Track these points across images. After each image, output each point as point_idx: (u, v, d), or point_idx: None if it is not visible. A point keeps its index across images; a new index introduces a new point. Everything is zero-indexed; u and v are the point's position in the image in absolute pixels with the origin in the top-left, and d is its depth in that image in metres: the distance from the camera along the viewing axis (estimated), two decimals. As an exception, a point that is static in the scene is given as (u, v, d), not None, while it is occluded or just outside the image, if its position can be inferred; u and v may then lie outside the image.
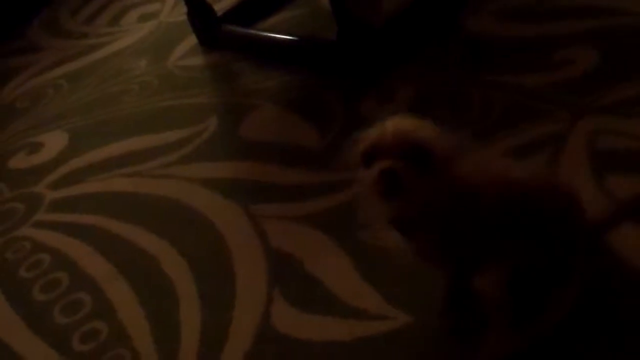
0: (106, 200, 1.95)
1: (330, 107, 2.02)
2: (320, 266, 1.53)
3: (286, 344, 1.38)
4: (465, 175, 1.15)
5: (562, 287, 1.25)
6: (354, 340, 1.35)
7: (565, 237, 1.25)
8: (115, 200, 1.94)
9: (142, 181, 1.98)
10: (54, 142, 2.28)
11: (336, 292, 1.46)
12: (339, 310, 1.42)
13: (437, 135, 1.12)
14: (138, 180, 1.99)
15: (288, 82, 2.21)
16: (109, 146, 2.17)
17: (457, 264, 1.28)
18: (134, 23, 2.99)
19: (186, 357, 1.42)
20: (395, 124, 1.12)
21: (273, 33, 2.39)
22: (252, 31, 2.49)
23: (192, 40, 2.61)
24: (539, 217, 1.21)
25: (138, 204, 1.90)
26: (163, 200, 1.88)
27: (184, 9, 2.59)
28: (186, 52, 2.59)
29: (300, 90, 2.17)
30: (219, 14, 2.57)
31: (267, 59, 2.36)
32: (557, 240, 1.23)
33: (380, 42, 2.09)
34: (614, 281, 1.31)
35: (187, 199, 1.85)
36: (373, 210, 1.19)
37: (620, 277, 1.31)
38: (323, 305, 1.44)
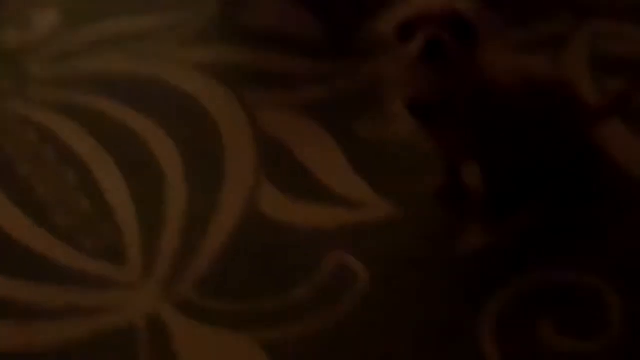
0: (98, 80, 1.89)
1: (333, -3, 1.96)
2: (311, 155, 1.51)
3: (271, 227, 1.37)
4: (494, 63, 1.13)
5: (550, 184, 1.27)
6: (338, 227, 1.34)
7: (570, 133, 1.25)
8: (107, 79, 1.89)
9: (136, 61, 1.92)
10: (45, 18, 2.21)
11: (324, 181, 1.44)
12: (326, 198, 1.40)
13: (479, 11, 1.08)
14: (132, 60, 1.93)
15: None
16: (103, 24, 2.08)
17: (464, 155, 1.26)
18: None
19: (169, 235, 1.40)
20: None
21: None
22: None
23: None
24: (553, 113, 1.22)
25: (130, 85, 1.84)
26: (156, 82, 1.82)
27: None
28: None
29: (304, -23, 2.09)
30: None
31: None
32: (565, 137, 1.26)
33: None
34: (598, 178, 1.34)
35: (180, 81, 1.80)
36: (399, 89, 1.15)
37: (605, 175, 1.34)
38: (310, 193, 1.42)
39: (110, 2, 2.19)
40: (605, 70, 1.51)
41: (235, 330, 1.24)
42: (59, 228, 1.47)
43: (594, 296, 1.16)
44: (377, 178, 1.41)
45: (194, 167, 1.55)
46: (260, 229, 1.37)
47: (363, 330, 1.21)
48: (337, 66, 1.70)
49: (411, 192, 1.36)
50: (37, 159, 1.67)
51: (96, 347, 1.26)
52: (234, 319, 1.25)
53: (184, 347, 1.23)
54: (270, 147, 1.55)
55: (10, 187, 1.61)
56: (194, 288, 1.29)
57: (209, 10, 2.04)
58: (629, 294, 1.15)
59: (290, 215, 1.38)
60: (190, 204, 1.45)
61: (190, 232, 1.39)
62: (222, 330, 1.25)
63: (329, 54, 1.76)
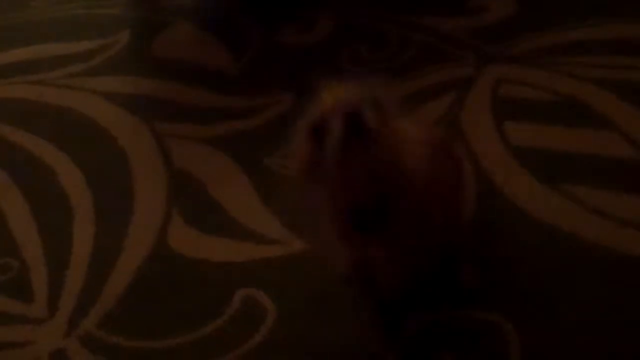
0: (5, 107, 1.86)
1: (248, 31, 1.98)
2: (223, 189, 1.51)
3: (180, 262, 1.37)
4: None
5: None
6: (248, 262, 1.34)
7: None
8: (16, 107, 1.86)
9: (45, 90, 1.89)
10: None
11: (235, 216, 1.44)
12: (237, 232, 1.41)
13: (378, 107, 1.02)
14: (41, 88, 1.90)
15: (206, 1, 2.15)
16: (13, 51, 2.06)
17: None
18: None
19: (76, 269, 1.38)
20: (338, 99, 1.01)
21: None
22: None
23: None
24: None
25: (39, 113, 1.82)
26: (66, 111, 1.80)
27: None
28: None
29: (218, 11, 2.11)
30: None
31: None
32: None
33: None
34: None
35: (91, 112, 1.79)
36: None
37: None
38: (221, 227, 1.42)
39: (20, 30, 2.16)
40: (506, 114, 1.56)
41: (143, 368, 1.23)
42: (-38, 262, 1.44)
43: (495, 331, 1.19)
44: (286, 214, 1.42)
45: (103, 200, 1.53)
46: (170, 265, 1.36)
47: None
48: (248, 101, 1.71)
49: (319, 229, 1.38)
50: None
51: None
52: (141, 356, 1.24)
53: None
54: (182, 180, 1.55)
55: None
56: (100, 324, 1.28)
57: (121, 40, 2.03)
58: (528, 330, 1.19)
59: (201, 250, 1.38)
60: (98, 237, 1.44)
61: (97, 267, 1.38)
62: (128, 368, 1.24)
63: (240, 88, 1.78)
